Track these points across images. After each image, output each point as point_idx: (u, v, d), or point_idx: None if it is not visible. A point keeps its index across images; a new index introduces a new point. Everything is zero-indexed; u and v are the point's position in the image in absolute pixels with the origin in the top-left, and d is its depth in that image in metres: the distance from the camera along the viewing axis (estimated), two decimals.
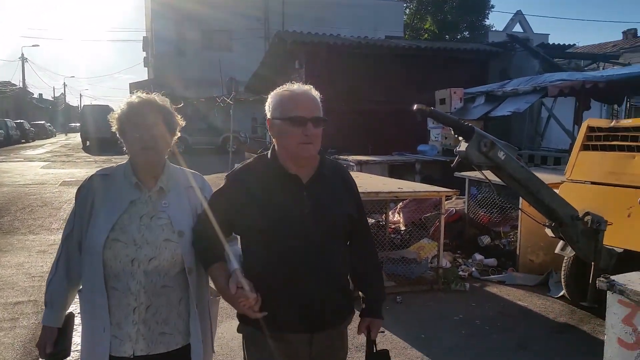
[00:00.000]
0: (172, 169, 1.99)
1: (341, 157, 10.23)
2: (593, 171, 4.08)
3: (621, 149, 3.97)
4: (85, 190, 1.91)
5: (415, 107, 2.91)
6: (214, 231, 1.87)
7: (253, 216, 1.78)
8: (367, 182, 5.80)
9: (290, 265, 1.79)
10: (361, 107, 12.59)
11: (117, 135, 1.91)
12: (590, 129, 4.24)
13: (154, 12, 27.29)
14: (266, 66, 15.70)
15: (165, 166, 1.96)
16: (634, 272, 2.18)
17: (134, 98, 1.89)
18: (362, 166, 9.34)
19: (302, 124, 1.73)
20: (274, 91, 1.84)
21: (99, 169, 2.01)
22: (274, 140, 1.85)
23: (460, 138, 3.13)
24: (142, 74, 36.00)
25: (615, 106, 12.36)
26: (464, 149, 3.07)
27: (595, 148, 4.16)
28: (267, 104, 1.84)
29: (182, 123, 1.99)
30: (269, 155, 1.87)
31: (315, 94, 1.83)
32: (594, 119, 4.55)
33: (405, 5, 31.75)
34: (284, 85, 1.83)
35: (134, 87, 27.86)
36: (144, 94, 1.91)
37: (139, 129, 1.82)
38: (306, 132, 1.72)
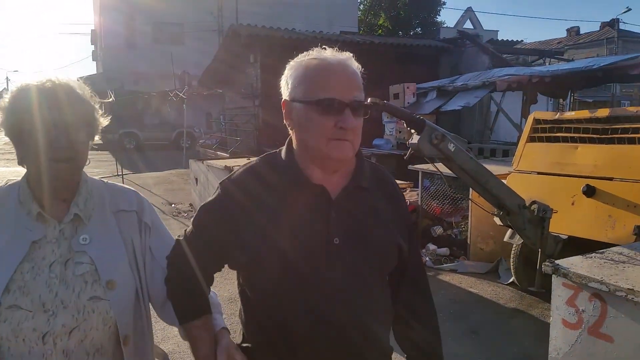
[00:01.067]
0: (90, 185, 1.39)
1: None
2: (539, 162, 4.25)
3: (565, 140, 4.14)
4: None
5: (369, 100, 2.94)
6: (198, 269, 1.34)
7: (257, 247, 1.23)
8: None
9: (307, 324, 1.23)
10: None
11: (5, 135, 1.32)
12: (536, 121, 4.41)
13: (103, 5, 26.39)
14: (220, 60, 15.47)
15: (81, 182, 1.36)
16: (576, 256, 2.29)
17: (43, 81, 1.28)
18: None
19: (337, 111, 1.19)
20: (296, 59, 1.29)
21: None
22: (291, 132, 1.31)
23: (413, 131, 3.20)
24: (91, 68, 34.83)
25: (561, 100, 12.89)
26: (416, 142, 3.13)
27: (540, 140, 4.33)
28: (283, 77, 1.30)
29: (105, 122, 1.40)
30: (282, 155, 1.32)
31: (356, 66, 1.27)
32: (540, 112, 4.74)
33: (359, 1, 31.95)
34: (311, 51, 1.27)
35: (83, 81, 26.91)
36: (57, 78, 1.31)
37: (50, 130, 1.24)
38: (342, 122, 1.19)
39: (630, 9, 51.72)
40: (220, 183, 1.35)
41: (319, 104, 1.19)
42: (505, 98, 12.65)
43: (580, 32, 40.76)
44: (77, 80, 1.34)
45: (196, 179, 8.56)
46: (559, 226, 3.85)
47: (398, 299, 1.42)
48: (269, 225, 1.23)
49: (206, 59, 17.45)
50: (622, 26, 35.03)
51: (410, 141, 3.25)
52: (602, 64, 7.53)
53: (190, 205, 9.15)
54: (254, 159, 1.39)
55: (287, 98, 1.27)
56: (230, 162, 7.42)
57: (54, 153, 1.25)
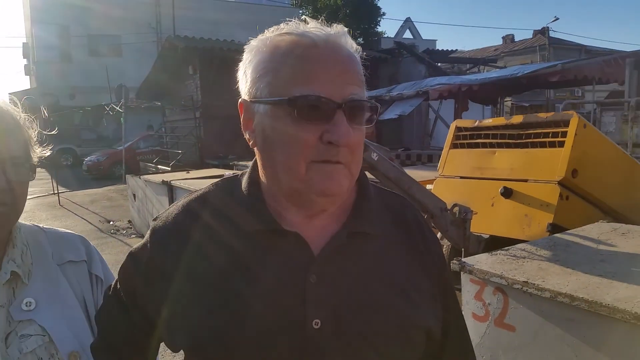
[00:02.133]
0: (25, 233, 1.13)
1: (240, 163, 10.23)
2: (461, 167, 4.48)
3: (484, 145, 4.40)
4: None
5: None
6: (128, 344, 0.99)
7: (196, 329, 0.83)
8: None
9: None
10: None
11: None
12: (458, 129, 4.65)
13: (34, 16, 25.43)
14: (158, 72, 15.28)
15: (14, 231, 1.10)
16: (483, 254, 2.46)
17: None
18: None
19: (324, 116, 0.78)
20: (260, 36, 0.87)
21: None
22: (256, 152, 0.89)
23: None
24: (24, 83, 33.38)
25: (499, 105, 13.52)
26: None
27: (462, 146, 4.58)
28: (240, 65, 0.89)
29: (43, 153, 1.13)
30: (243, 185, 0.91)
31: (354, 47, 0.86)
32: (461, 120, 5.01)
33: (300, 11, 32.31)
34: (284, 24, 0.86)
35: (15, 97, 25.71)
36: None
37: None
38: (333, 134, 0.77)
39: (558, 18, 54.79)
40: (151, 226, 0.94)
41: (295, 105, 0.77)
42: (443, 105, 13.18)
43: (515, 40, 42.83)
44: (9, 98, 1.14)
45: (134, 195, 8.39)
46: (481, 226, 4.07)
47: None
48: (213, 296, 0.82)
49: (145, 71, 17.17)
50: (552, 34, 37.08)
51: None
52: (525, 72, 8.01)
53: (129, 222, 8.94)
54: (205, 188, 0.97)
55: (246, 97, 0.86)
56: (168, 177, 7.32)
57: None
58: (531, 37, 40.28)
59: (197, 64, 12.94)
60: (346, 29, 0.87)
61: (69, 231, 1.25)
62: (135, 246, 0.98)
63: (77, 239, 1.23)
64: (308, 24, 0.85)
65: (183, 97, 14.09)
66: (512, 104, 26.13)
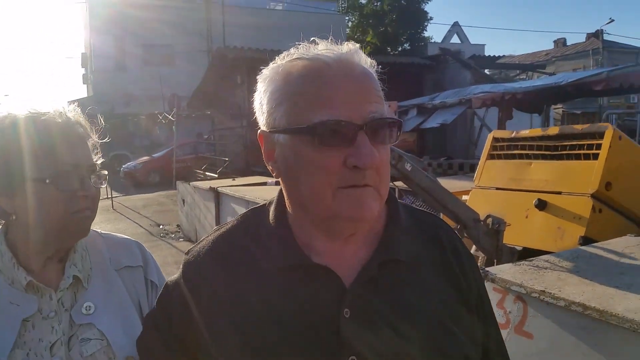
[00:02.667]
0: (84, 239, 1.14)
1: None
2: (497, 178, 4.54)
3: (521, 157, 4.45)
4: None
5: None
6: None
7: None
8: None
9: None
10: None
11: None
12: (495, 139, 4.71)
13: (93, 27, 26.78)
14: (208, 82, 15.86)
15: None
16: (506, 264, 2.58)
17: (53, 115, 1.05)
18: None
19: (346, 139, 0.77)
20: (271, 64, 0.88)
21: None
22: (281, 183, 0.89)
23: None
24: (81, 91, 35.13)
25: (545, 113, 13.29)
26: None
27: (499, 157, 4.63)
28: (256, 96, 0.88)
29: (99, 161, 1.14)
30: (271, 217, 0.90)
31: (368, 62, 0.85)
32: (499, 131, 5.06)
33: (347, 18, 32.57)
34: (294, 48, 0.86)
35: (74, 104, 27.13)
36: (65, 110, 1.10)
37: (75, 178, 1.04)
38: (357, 158, 0.76)
39: (613, 20, 52.98)
40: (184, 258, 0.96)
41: (315, 133, 0.77)
42: (489, 113, 13.05)
43: (567, 44, 41.58)
44: (73, 107, 1.16)
45: (183, 200, 8.82)
46: (514, 238, 4.13)
47: None
48: (244, 337, 0.81)
49: (196, 80, 17.80)
50: (606, 37, 35.80)
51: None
52: (569, 80, 7.90)
53: (178, 226, 9.37)
54: (233, 220, 0.97)
55: (265, 128, 0.86)
56: (216, 183, 7.68)
57: (75, 204, 1.04)
58: (584, 40, 39.03)
59: (244, 74, 13.38)
60: (358, 45, 0.86)
61: (126, 237, 1.28)
62: (170, 278, 0.99)
63: (134, 244, 1.25)
64: (318, 45, 0.84)
65: (232, 106, 14.57)
66: (563, 111, 25.45)
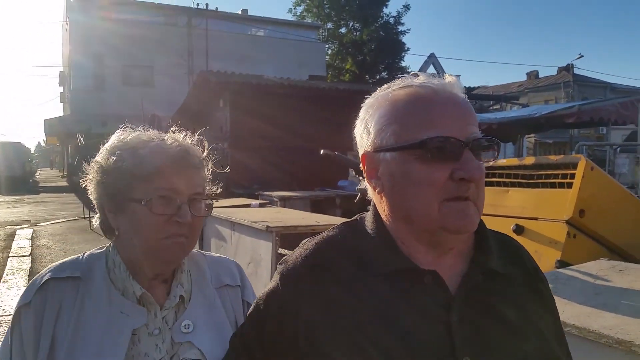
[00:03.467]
0: (188, 259, 1.19)
1: (265, 193, 10.62)
2: None
3: (499, 184, 4.66)
4: (34, 314, 1.02)
5: (322, 152, 3.42)
6: None
7: None
8: (287, 217, 6.21)
9: None
10: (286, 144, 13.13)
11: (97, 197, 1.11)
12: None
13: (73, 47, 26.68)
14: (190, 103, 15.93)
15: None
16: None
17: (167, 140, 1.09)
18: (285, 202, 9.75)
19: (453, 155, 0.85)
20: (375, 94, 0.96)
21: (51, 268, 1.10)
22: (377, 197, 0.95)
23: (360, 177, 3.65)
24: (59, 110, 34.75)
25: (519, 143, 13.71)
26: (363, 186, 3.57)
27: None
28: (358, 122, 0.97)
29: (214, 190, 1.22)
30: (369, 229, 0.96)
31: (463, 91, 0.94)
32: None
33: (327, 46, 33.17)
34: (396, 80, 0.94)
35: (50, 123, 26.83)
36: (181, 137, 1.13)
37: (172, 204, 1.05)
38: (464, 171, 0.84)
39: (582, 56, 54.95)
40: (279, 269, 0.98)
41: (426, 148, 0.84)
42: None
43: (539, 76, 42.95)
44: (198, 138, 1.19)
45: None
46: None
47: None
48: (354, 343, 0.83)
49: (177, 99, 17.85)
50: (576, 71, 37.18)
51: (358, 187, 3.69)
52: (543, 113, 8.26)
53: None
54: (328, 231, 1.00)
55: (369, 149, 0.93)
56: None
57: (170, 229, 1.05)
58: (556, 73, 40.43)
59: (227, 98, 13.51)
60: (457, 77, 0.95)
61: (224, 256, 1.31)
62: (263, 292, 1.00)
63: (233, 264, 1.28)
64: (419, 76, 0.93)
65: (213, 128, 14.65)
66: (535, 140, 26.21)
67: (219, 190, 1.20)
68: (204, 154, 1.17)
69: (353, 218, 1.04)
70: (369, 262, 0.90)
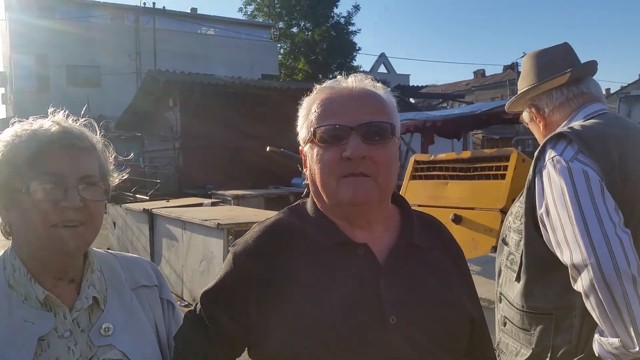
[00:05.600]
0: (99, 257, 1.16)
1: (219, 192, 10.62)
2: (419, 196, 4.98)
3: (439, 177, 4.92)
4: None
5: (267, 148, 3.55)
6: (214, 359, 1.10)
7: (289, 334, 0.98)
8: (240, 214, 6.29)
9: None
10: (238, 143, 13.14)
11: None
12: (416, 162, 5.18)
13: (13, 46, 25.62)
14: (138, 103, 15.65)
15: (89, 255, 1.13)
16: None
17: (47, 125, 1.05)
18: (239, 200, 9.81)
19: (338, 137, 1.00)
20: (307, 98, 1.12)
21: None
22: (310, 184, 1.11)
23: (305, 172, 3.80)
24: (1, 112, 33.21)
25: (464, 139, 14.20)
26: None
27: (420, 177, 5.09)
28: (299, 120, 1.12)
29: (115, 174, 1.15)
30: (309, 210, 1.11)
31: (382, 90, 1.09)
32: (419, 154, 5.56)
33: (279, 45, 33.17)
34: (328, 83, 1.11)
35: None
36: (62, 120, 1.08)
37: (56, 188, 0.99)
38: (347, 151, 0.98)
39: (525, 54, 57.06)
40: (231, 250, 1.10)
41: (317, 134, 1.02)
42: (414, 138, 13.80)
43: (486, 74, 44.27)
44: (88, 121, 1.13)
45: (114, 223, 8.67)
46: None
47: None
48: (304, 305, 0.98)
49: (125, 100, 17.47)
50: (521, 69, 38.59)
51: (304, 182, 3.84)
52: (483, 109, 8.65)
53: (108, 249, 9.13)
54: (274, 215, 1.15)
55: (301, 144, 1.11)
56: (150, 205, 7.66)
57: (57, 216, 0.99)
58: (501, 72, 41.84)
59: (177, 97, 13.37)
60: (372, 80, 1.10)
61: (137, 256, 1.27)
62: (218, 274, 1.11)
63: (147, 263, 1.24)
64: (347, 78, 1.09)
65: (162, 128, 14.45)
66: (483, 136, 27.12)
67: (125, 176, 1.16)
68: (98, 136, 1.10)
69: (295, 203, 1.17)
70: (312, 238, 1.05)
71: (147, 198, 11.95)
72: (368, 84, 1.08)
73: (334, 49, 31.06)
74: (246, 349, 1.11)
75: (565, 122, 1.67)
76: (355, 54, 33.13)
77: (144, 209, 7.21)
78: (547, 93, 1.70)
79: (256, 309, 1.02)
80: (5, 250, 1.07)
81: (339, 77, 1.11)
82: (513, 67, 38.50)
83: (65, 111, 1.10)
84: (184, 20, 29.04)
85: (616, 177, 1.41)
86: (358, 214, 1.05)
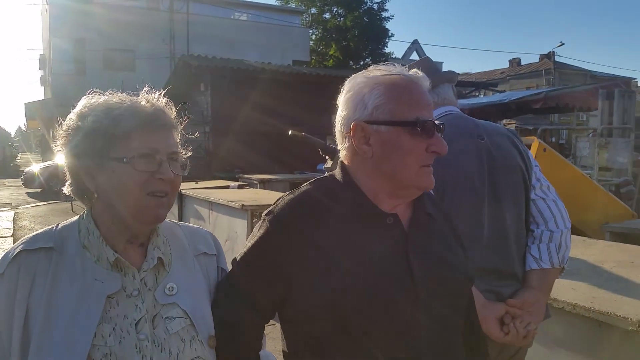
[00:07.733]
0: (164, 225, 1.22)
1: (246, 175, 10.82)
2: None
3: None
4: (7, 285, 1.04)
5: (289, 132, 3.64)
6: (250, 322, 1.18)
7: (324, 291, 1.06)
8: (263, 197, 6.44)
9: None
10: (267, 128, 13.29)
11: (71, 161, 1.12)
12: None
13: (52, 30, 26.26)
14: (171, 87, 15.89)
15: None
16: None
17: (140, 100, 1.14)
18: (265, 184, 9.98)
19: (429, 133, 1.10)
20: (367, 75, 1.16)
21: (23, 240, 1.11)
22: (366, 161, 1.15)
23: (327, 157, 3.87)
24: (39, 94, 34.19)
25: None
26: (329, 165, 3.81)
27: None
28: (352, 95, 1.15)
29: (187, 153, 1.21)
30: (341, 182, 1.17)
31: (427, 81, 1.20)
32: None
33: (311, 31, 33.08)
34: (380, 65, 1.18)
35: (31, 107, 26.54)
36: (153, 98, 1.17)
37: (152, 161, 1.09)
38: (436, 146, 1.11)
39: (563, 44, 55.62)
40: (265, 217, 1.17)
41: (415, 125, 1.09)
42: None
43: (522, 63, 43.21)
44: (165, 100, 1.21)
45: None
46: None
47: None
48: (337, 265, 1.07)
49: (158, 85, 17.39)
50: (557, 59, 37.51)
51: (325, 165, 3.93)
52: (512, 98, 8.56)
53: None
54: (301, 187, 1.21)
55: (364, 120, 1.12)
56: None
57: (155, 185, 1.08)
58: (537, 61, 40.78)
59: (208, 82, 13.58)
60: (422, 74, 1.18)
61: (199, 227, 1.35)
62: (250, 243, 1.18)
63: (208, 234, 1.33)
64: (395, 67, 1.16)
65: (194, 113, 14.73)
66: (516, 126, 26.61)
67: (190, 154, 1.22)
68: (173, 115, 1.19)
69: (323, 176, 1.25)
70: (344, 207, 1.13)
71: None
72: (424, 79, 1.17)
73: (366, 36, 30.75)
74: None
75: None
76: (387, 40, 32.75)
77: None
78: None
79: (295, 269, 1.09)
80: (80, 214, 1.17)
81: (397, 65, 1.17)
82: (549, 56, 37.47)
83: (157, 92, 1.19)
84: (217, 6, 29.20)
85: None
86: (415, 196, 1.18)
